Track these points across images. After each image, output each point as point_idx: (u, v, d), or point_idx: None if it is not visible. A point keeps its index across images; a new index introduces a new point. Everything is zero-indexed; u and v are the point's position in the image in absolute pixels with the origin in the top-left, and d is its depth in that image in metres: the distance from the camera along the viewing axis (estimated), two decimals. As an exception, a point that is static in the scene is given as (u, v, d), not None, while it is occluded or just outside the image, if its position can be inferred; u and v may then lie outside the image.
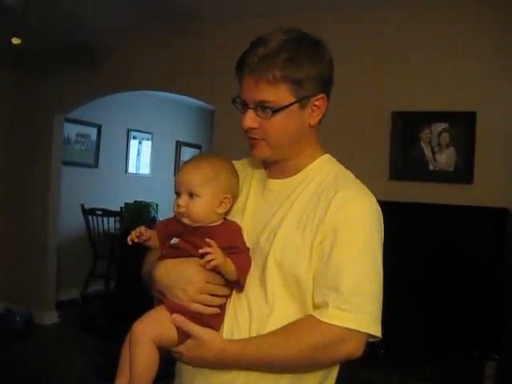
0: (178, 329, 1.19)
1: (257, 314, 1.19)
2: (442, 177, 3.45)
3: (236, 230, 1.28)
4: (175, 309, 1.20)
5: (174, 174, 7.96)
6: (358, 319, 1.13)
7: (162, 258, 1.28)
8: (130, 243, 1.30)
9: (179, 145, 8.11)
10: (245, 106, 1.24)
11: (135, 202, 6.49)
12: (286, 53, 1.18)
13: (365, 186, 1.27)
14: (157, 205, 6.67)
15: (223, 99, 4.25)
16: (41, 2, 3.67)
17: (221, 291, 1.23)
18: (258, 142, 1.26)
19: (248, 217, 1.30)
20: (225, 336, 1.20)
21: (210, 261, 1.16)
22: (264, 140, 1.25)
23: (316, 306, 1.17)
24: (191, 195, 1.27)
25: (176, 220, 1.31)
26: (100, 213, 6.06)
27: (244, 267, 1.22)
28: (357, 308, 1.14)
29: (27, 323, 5.08)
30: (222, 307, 1.24)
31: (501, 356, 2.86)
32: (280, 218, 1.24)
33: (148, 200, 6.64)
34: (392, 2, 3.54)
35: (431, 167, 3.49)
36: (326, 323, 1.13)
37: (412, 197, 3.37)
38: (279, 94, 1.19)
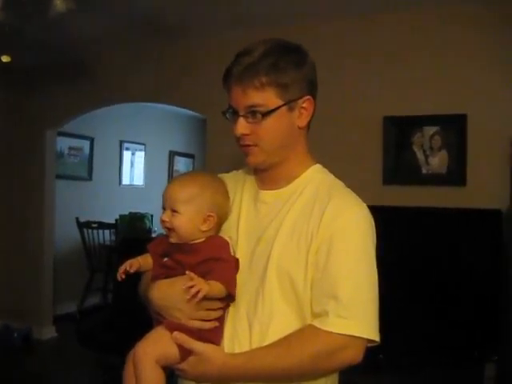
0: (180, 347, 1.19)
1: (256, 325, 1.21)
2: (435, 180, 3.48)
3: (220, 243, 1.30)
4: (174, 327, 1.21)
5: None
6: (358, 326, 1.15)
7: (155, 278, 1.30)
8: (120, 279, 1.31)
9: (172, 155, 8.13)
10: (235, 114, 1.27)
11: (130, 213, 6.49)
12: (270, 59, 1.21)
13: (356, 196, 1.29)
14: (152, 215, 6.66)
15: (215, 108, 4.30)
16: (30, 18, 3.67)
17: (216, 305, 1.24)
18: (252, 148, 1.27)
19: (242, 230, 1.31)
20: (226, 350, 1.21)
21: (197, 293, 1.17)
22: (257, 146, 1.27)
23: (315, 315, 1.18)
24: (173, 211, 1.29)
25: (166, 238, 1.33)
26: (95, 225, 6.05)
27: (231, 280, 1.23)
28: (356, 315, 1.16)
29: (25, 339, 5.06)
30: (221, 320, 1.24)
31: (500, 357, 2.87)
32: (275, 230, 1.25)
33: (143, 211, 6.64)
34: (380, 6, 3.58)
35: (424, 171, 3.52)
36: (327, 332, 1.14)
37: (406, 201, 3.39)
38: (267, 98, 1.22)
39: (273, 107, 1.23)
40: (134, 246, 4.88)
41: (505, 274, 3.02)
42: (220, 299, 1.24)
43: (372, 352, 1.22)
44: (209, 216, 1.30)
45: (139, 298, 1.40)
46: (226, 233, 1.33)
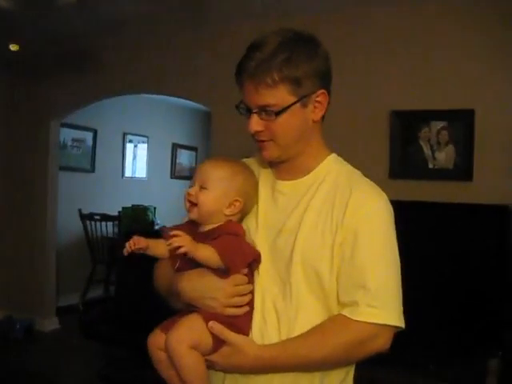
0: (214, 336, 1.19)
1: (284, 317, 1.22)
2: (441, 175, 3.47)
3: (237, 225, 1.31)
4: (210, 317, 1.21)
5: (171, 177, 7.99)
6: (387, 314, 1.18)
7: (180, 270, 1.29)
8: (126, 254, 1.29)
9: (175, 147, 8.11)
10: (248, 110, 1.26)
11: (133, 205, 6.48)
12: (282, 53, 1.19)
13: (376, 185, 1.30)
14: (155, 208, 6.67)
15: (220, 101, 4.34)
16: (35, 6, 3.66)
17: (248, 288, 1.24)
18: (266, 143, 1.27)
19: (261, 220, 1.31)
20: (255, 340, 1.22)
21: (178, 248, 1.17)
22: (272, 141, 1.27)
23: (343, 305, 1.20)
24: (202, 187, 1.29)
25: (187, 226, 1.32)
26: (98, 217, 6.04)
27: (229, 251, 1.22)
28: (385, 303, 1.18)
29: (28, 330, 5.06)
30: (250, 306, 1.25)
31: (504, 352, 2.87)
32: (296, 220, 1.26)
33: (146, 204, 6.64)
34: (386, 0, 3.55)
35: (430, 165, 3.51)
36: (358, 321, 1.16)
37: (412, 195, 3.38)
38: (280, 96, 1.21)
39: (286, 105, 1.22)
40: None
41: (510, 270, 3.01)
42: (249, 282, 1.24)
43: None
44: (235, 201, 1.29)
45: (159, 290, 1.39)
46: (245, 222, 1.33)
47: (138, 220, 6.33)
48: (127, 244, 1.29)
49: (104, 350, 4.25)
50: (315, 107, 1.27)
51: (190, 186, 1.31)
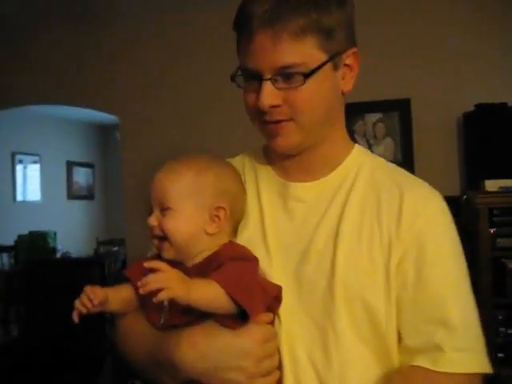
0: None
1: (327, 375, 0.85)
2: (381, 169, 3.28)
3: (241, 246, 0.92)
4: None
5: (68, 198, 7.36)
6: (479, 359, 0.84)
7: (167, 326, 0.88)
8: (77, 320, 0.87)
9: (70, 165, 7.53)
10: (256, 77, 0.88)
11: (30, 232, 5.82)
12: None
13: (424, 181, 0.98)
14: (55, 233, 6.03)
15: (129, 110, 3.93)
16: None
17: (276, 344, 0.86)
18: (284, 125, 0.89)
19: (273, 241, 0.93)
20: None
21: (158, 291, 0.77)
22: (292, 121, 0.89)
23: (412, 352, 0.84)
24: (164, 209, 0.90)
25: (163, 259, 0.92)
26: (-10, 249, 5.34)
27: (239, 281, 0.83)
28: (473, 344, 0.85)
29: None
30: (279, 367, 0.87)
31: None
32: (329, 238, 0.90)
33: (43, 229, 5.98)
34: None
35: (369, 161, 3.31)
36: (445, 374, 0.81)
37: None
38: (307, 51, 0.85)
39: (316, 65, 0.85)
40: (39, 269, 4.33)
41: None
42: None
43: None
44: (218, 208, 0.91)
45: (132, 361, 0.95)
46: (248, 246, 0.93)
47: (37, 248, 5.69)
48: (78, 303, 0.87)
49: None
50: (345, 73, 0.92)
51: (150, 214, 0.92)
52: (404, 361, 0.85)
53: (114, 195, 7.28)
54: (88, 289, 0.88)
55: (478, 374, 0.84)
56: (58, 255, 5.75)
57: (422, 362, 0.82)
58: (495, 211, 2.54)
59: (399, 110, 3.24)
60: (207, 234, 0.91)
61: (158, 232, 0.90)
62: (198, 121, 3.63)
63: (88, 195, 7.85)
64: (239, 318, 0.84)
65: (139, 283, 0.78)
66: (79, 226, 7.34)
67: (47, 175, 7.01)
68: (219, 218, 0.91)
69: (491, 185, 2.57)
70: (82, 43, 3.93)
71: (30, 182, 6.78)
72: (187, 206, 0.90)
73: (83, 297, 0.87)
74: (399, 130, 3.25)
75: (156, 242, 0.92)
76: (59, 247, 5.95)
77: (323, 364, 0.84)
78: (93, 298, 0.87)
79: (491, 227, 2.52)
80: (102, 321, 3.57)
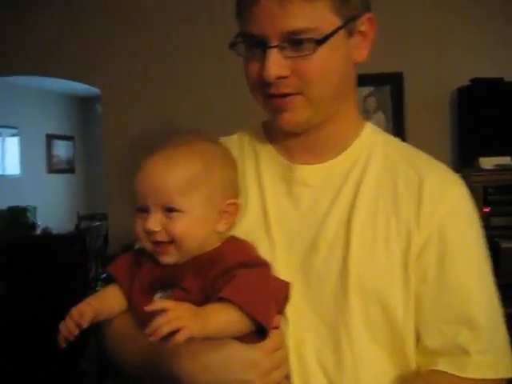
0: None
1: (339, 379, 0.77)
2: (372, 145, 3.21)
3: (245, 245, 0.83)
4: None
5: (48, 172, 7.19)
6: (506, 363, 0.77)
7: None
8: (64, 345, 0.78)
9: (50, 138, 7.32)
10: (260, 45, 0.78)
11: (8, 207, 5.68)
12: None
13: (443, 164, 0.89)
14: (35, 208, 5.90)
15: (111, 81, 3.77)
16: None
17: (285, 352, 0.78)
18: (292, 98, 0.79)
19: (277, 231, 0.84)
20: None
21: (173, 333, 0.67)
22: (301, 94, 0.79)
23: (433, 354, 0.76)
24: (169, 211, 0.79)
25: (149, 257, 0.82)
26: (-34, 225, 5.19)
27: (257, 298, 0.74)
28: (501, 346, 0.78)
29: None
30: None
31: None
32: (340, 227, 0.81)
33: (22, 204, 5.84)
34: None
35: (360, 136, 3.23)
36: (471, 380, 0.74)
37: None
38: (319, 15, 0.76)
39: (329, 30, 0.76)
40: (19, 246, 4.22)
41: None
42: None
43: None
44: (229, 205, 0.82)
45: (123, 370, 0.86)
46: (248, 237, 0.84)
47: (15, 224, 5.55)
48: (63, 328, 0.77)
49: None
50: (358, 41, 0.82)
51: (141, 213, 0.80)
52: (422, 363, 0.77)
53: (95, 169, 7.14)
54: (74, 311, 0.78)
55: (503, 379, 0.77)
56: (38, 231, 5.64)
57: (445, 366, 0.75)
58: (490, 190, 2.49)
59: (391, 84, 3.15)
60: (217, 232, 0.82)
61: (161, 237, 0.79)
62: (189, 92, 3.42)
63: (68, 169, 7.68)
64: (256, 333, 0.76)
65: (148, 330, 0.67)
66: (60, 200, 7.19)
67: (26, 148, 6.82)
68: (229, 214, 0.82)
69: (486, 162, 2.52)
70: (59, 9, 3.74)
71: (8, 155, 6.60)
72: (196, 205, 0.80)
73: (69, 321, 0.78)
74: (391, 105, 3.16)
75: (151, 246, 0.81)
76: (39, 222, 5.87)
77: (334, 368, 0.77)
78: (82, 321, 0.78)
79: (486, 206, 2.46)
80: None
